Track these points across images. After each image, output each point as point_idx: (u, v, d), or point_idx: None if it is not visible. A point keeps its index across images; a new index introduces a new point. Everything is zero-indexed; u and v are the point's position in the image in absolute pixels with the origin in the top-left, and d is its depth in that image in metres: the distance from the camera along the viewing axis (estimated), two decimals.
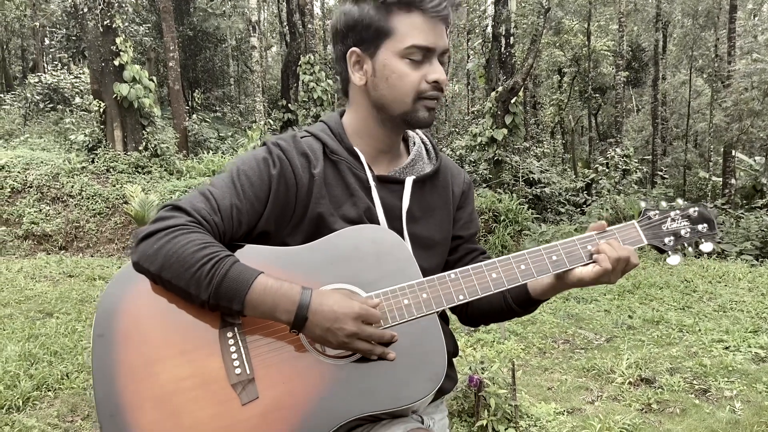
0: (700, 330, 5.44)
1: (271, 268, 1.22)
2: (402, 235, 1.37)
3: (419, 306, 1.27)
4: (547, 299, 1.45)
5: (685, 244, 1.44)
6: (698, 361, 4.59)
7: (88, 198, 10.79)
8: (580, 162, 22.60)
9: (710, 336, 5.23)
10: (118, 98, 11.43)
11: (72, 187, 10.85)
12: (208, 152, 13.34)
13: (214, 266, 1.17)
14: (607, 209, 11.37)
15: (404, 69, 1.29)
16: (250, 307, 1.18)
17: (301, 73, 15.19)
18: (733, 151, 16.17)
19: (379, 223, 1.36)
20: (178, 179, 11.50)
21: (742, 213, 11.67)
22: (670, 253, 1.41)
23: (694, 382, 4.25)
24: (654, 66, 23.21)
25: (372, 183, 1.37)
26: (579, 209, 12.74)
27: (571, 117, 26.94)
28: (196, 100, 21.82)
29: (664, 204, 1.48)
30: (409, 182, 1.42)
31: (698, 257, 8.73)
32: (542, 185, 12.67)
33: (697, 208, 1.45)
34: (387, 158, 1.44)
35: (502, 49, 15.71)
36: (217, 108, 21.09)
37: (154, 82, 12.00)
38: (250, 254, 1.27)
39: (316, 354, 1.23)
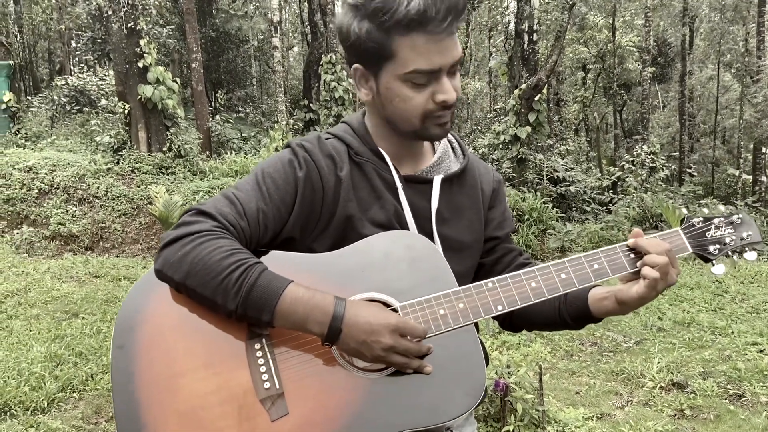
0: (733, 332, 5.29)
1: (300, 276, 1.17)
2: (432, 238, 1.31)
3: (456, 316, 1.21)
4: (606, 317, 1.38)
5: (730, 253, 1.37)
6: (732, 364, 4.46)
7: (114, 199, 10.90)
8: (605, 160, 22.29)
9: (744, 338, 5.08)
10: (143, 100, 11.52)
11: (98, 188, 10.96)
12: (231, 153, 13.38)
13: (243, 274, 1.11)
14: (633, 208, 11.16)
15: (408, 93, 1.21)
16: (281, 317, 1.12)
17: (322, 72, 15.17)
18: (763, 148, 15.80)
19: (407, 227, 1.30)
20: (201, 180, 11.56)
21: None
22: (714, 262, 1.34)
23: (728, 386, 4.12)
24: (681, 61, 22.78)
25: (399, 184, 1.31)
26: (605, 208, 12.53)
27: (596, 114, 26.60)
28: (219, 100, 21.94)
29: (705, 210, 1.42)
30: (437, 181, 1.35)
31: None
32: (567, 183, 12.48)
33: (740, 215, 1.38)
34: (412, 158, 1.38)
35: (525, 46, 15.55)
36: (240, 108, 21.17)
37: (177, 83, 12.07)
38: (278, 261, 1.21)
39: (348, 367, 1.17)
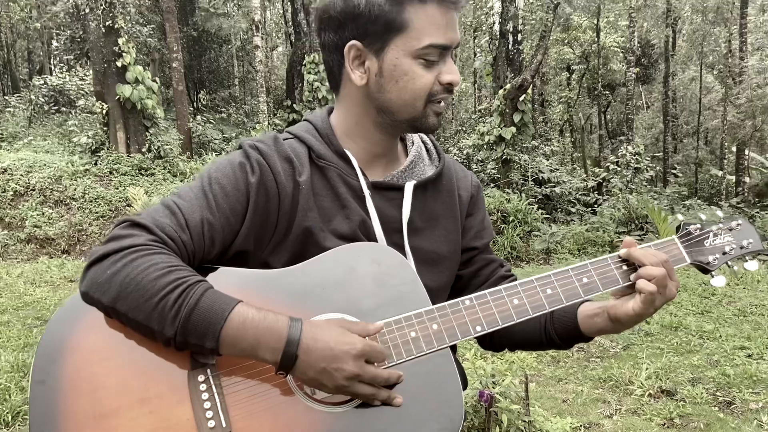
0: (720, 336, 5.22)
1: (250, 295, 1.02)
2: (403, 251, 1.17)
3: (429, 339, 1.07)
4: (597, 336, 1.25)
5: (729, 263, 1.24)
6: (721, 370, 4.37)
7: (91, 201, 10.66)
8: (589, 160, 22.32)
9: (732, 343, 5.01)
10: (121, 100, 11.30)
11: (75, 189, 10.72)
12: (213, 154, 13.16)
13: (182, 294, 0.95)
14: (619, 209, 11.11)
15: (418, 71, 1.10)
16: (227, 344, 0.97)
17: (305, 72, 15.02)
18: (746, 149, 15.87)
19: (375, 238, 1.16)
20: (181, 181, 11.35)
21: (757, 212, 11.39)
22: (713, 274, 1.21)
23: (718, 393, 4.03)
24: (665, 62, 22.89)
25: (366, 191, 1.17)
26: (590, 209, 12.48)
27: (581, 115, 26.69)
28: (201, 101, 21.65)
29: (702, 216, 1.29)
30: (409, 188, 1.21)
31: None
32: (552, 184, 12.43)
33: (740, 222, 1.27)
34: (383, 162, 1.24)
35: (510, 46, 15.49)
36: (222, 109, 20.91)
37: (157, 83, 11.86)
38: (226, 279, 1.06)
39: (306, 400, 1.02)
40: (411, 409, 1.04)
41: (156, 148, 11.58)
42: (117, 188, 10.93)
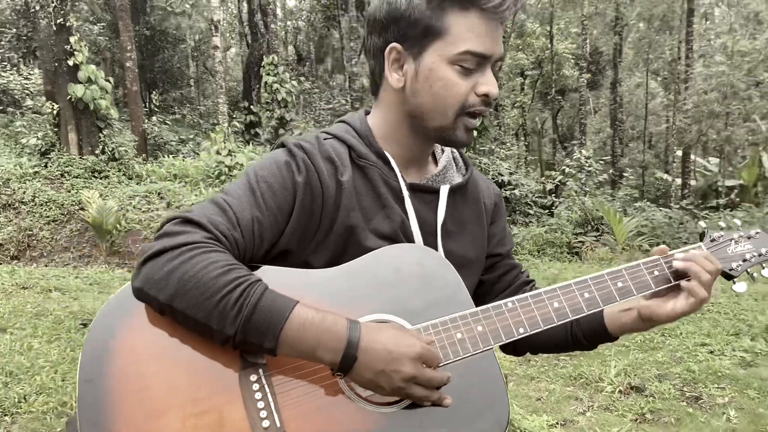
0: (681, 333, 5.41)
1: (300, 295, 1.00)
2: None
3: (475, 341, 1.08)
4: (623, 335, 1.28)
5: (749, 270, 1.30)
6: (685, 366, 4.53)
7: (42, 204, 10.28)
8: (541, 164, 22.82)
9: (693, 339, 5.19)
10: (73, 100, 10.93)
11: (24, 193, 10.32)
12: (169, 156, 12.89)
13: (243, 293, 0.94)
14: (575, 211, 11.40)
15: (453, 77, 1.10)
16: (286, 344, 0.96)
17: (264, 74, 14.85)
18: (692, 153, 16.52)
19: (413, 239, 1.17)
20: (137, 184, 11.07)
21: (706, 214, 11.86)
22: (735, 280, 1.27)
23: (684, 389, 4.17)
24: (613, 69, 23.59)
25: (405, 192, 1.18)
26: (547, 211, 12.75)
27: (537, 119, 27.25)
28: (154, 101, 21.17)
29: (722, 224, 1.36)
30: (444, 192, 1.23)
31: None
32: (511, 187, 12.65)
33: (758, 231, 1.33)
34: (416, 166, 1.25)
35: None
36: (176, 110, 20.49)
37: (110, 82, 11.52)
38: (276, 279, 1.04)
39: (357, 400, 1.02)
40: (458, 409, 1.05)
41: (110, 149, 11.25)
42: (69, 191, 10.56)
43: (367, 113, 1.26)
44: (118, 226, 9.41)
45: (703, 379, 4.26)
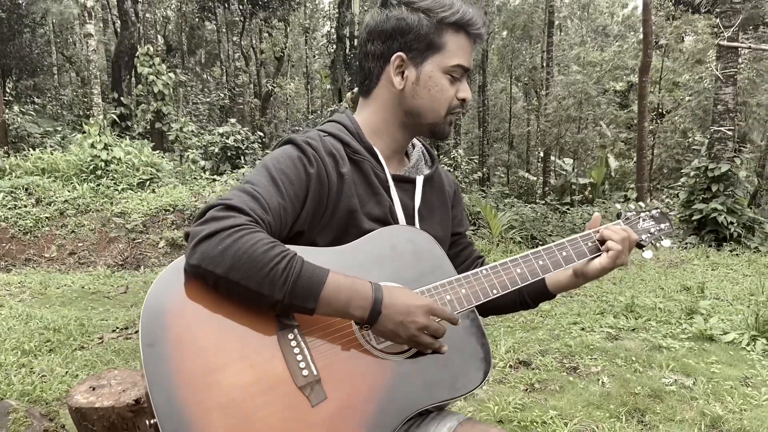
0: (557, 314, 6.05)
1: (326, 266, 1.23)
2: None
3: (461, 301, 1.36)
4: (560, 293, 1.60)
5: (653, 241, 1.67)
6: (563, 342, 5.11)
7: None
8: None
9: (567, 319, 5.83)
10: None
11: None
12: (33, 149, 11.98)
13: (287, 264, 1.15)
14: None
15: (446, 84, 1.38)
16: (324, 304, 1.17)
17: (138, 65, 14.22)
18: (551, 154, 18.04)
19: (398, 221, 1.43)
20: (0, 179, 10.22)
21: (567, 209, 13.06)
22: (644, 249, 1.63)
23: (564, 361, 4.73)
24: (481, 74, 25.04)
25: (391, 182, 1.44)
26: None
27: None
28: (7, 90, 19.41)
29: (632, 206, 1.72)
30: (420, 181, 1.51)
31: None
32: None
33: (658, 210, 1.70)
34: (397, 159, 1.52)
35: (347, 50, 16.04)
36: (36, 99, 18.94)
37: None
38: (302, 254, 1.25)
39: (374, 351, 1.26)
40: (454, 354, 1.32)
41: None
42: None
43: (351, 113, 1.50)
44: None
45: (579, 352, 4.85)
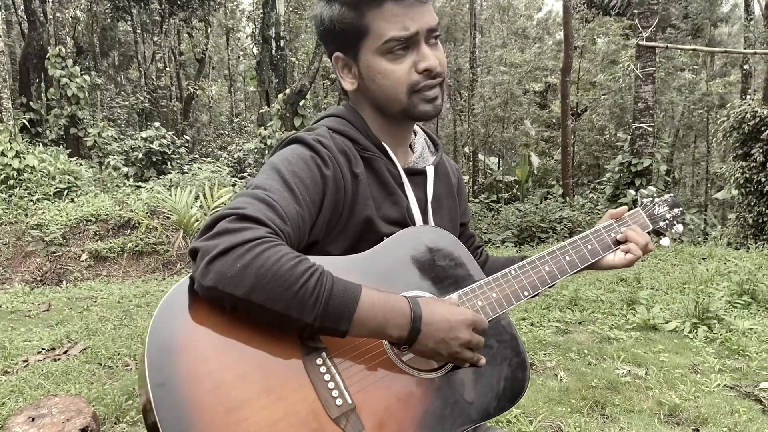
0: None
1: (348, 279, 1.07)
2: None
3: (493, 306, 1.23)
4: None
5: (667, 227, 1.61)
6: None
7: None
8: None
9: (515, 315, 5.85)
10: None
11: None
12: None
13: (317, 282, 0.98)
14: None
15: (387, 66, 1.19)
16: (358, 325, 1.01)
17: (50, 67, 13.37)
18: (479, 153, 18.37)
19: (415, 219, 1.29)
20: None
21: (501, 206, 13.29)
22: (663, 235, 1.57)
23: None
24: None
25: (404, 177, 1.29)
26: None
27: None
28: None
29: (645, 191, 1.64)
30: (430, 171, 1.36)
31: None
32: None
33: (670, 196, 1.64)
34: (402, 151, 1.36)
35: (273, 51, 15.71)
36: None
37: None
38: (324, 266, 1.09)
39: (409, 370, 1.12)
40: (491, 367, 1.20)
41: None
42: None
43: (347, 106, 1.34)
44: None
45: (532, 348, 4.86)
